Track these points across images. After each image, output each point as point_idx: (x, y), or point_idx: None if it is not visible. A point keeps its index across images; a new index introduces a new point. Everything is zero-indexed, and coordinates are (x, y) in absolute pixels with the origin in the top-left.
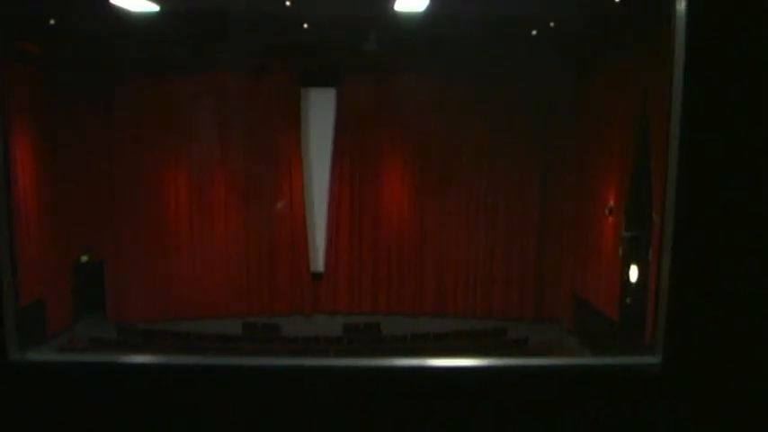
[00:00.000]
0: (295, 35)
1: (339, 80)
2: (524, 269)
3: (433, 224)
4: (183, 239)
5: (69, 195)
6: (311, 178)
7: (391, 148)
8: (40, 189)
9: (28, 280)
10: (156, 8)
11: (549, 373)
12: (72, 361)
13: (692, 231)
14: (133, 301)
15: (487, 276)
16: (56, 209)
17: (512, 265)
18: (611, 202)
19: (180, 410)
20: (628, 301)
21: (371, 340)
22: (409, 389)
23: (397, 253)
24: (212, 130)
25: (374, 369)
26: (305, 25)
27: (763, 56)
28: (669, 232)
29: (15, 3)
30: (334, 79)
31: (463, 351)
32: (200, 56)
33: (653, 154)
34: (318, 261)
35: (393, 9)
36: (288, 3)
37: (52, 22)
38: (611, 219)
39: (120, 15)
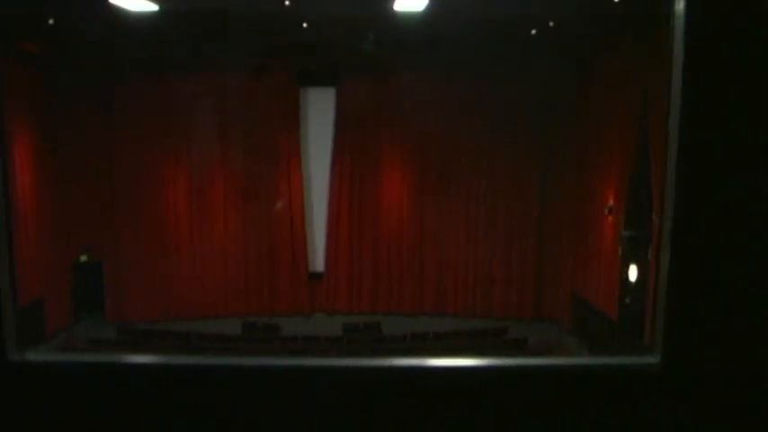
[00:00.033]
0: (294, 35)
1: (338, 80)
2: (524, 269)
3: (433, 224)
4: (182, 239)
5: (69, 195)
6: (311, 178)
7: (391, 148)
8: (39, 189)
9: (27, 280)
10: (155, 8)
11: (548, 372)
12: (71, 361)
13: (691, 231)
14: (133, 301)
15: (487, 276)
16: (55, 209)
17: (511, 265)
18: (611, 202)
19: (180, 410)
20: (627, 300)
21: (371, 340)
22: (409, 389)
23: (396, 253)
24: (212, 129)
25: (374, 369)
26: (304, 25)
27: (763, 56)
28: (668, 232)
29: (15, 3)
30: (334, 79)
31: (463, 351)
32: (200, 56)
33: (653, 154)
34: (318, 261)
35: (392, 9)
36: (287, 2)
37: (52, 22)
38: (610, 218)
39: (120, 15)
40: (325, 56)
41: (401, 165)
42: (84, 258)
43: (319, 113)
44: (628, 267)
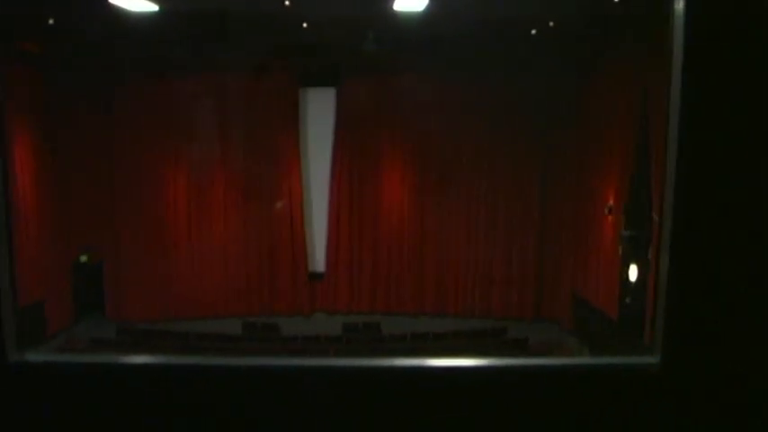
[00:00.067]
0: (295, 35)
1: (339, 80)
2: (524, 269)
3: (433, 224)
4: (182, 239)
5: (69, 195)
6: (311, 178)
7: (391, 148)
8: (39, 189)
9: (27, 280)
10: (155, 8)
11: (548, 372)
12: (71, 361)
13: (691, 231)
14: (133, 301)
15: (487, 276)
16: (55, 209)
17: (511, 265)
18: (611, 202)
19: (180, 410)
20: (627, 300)
21: (371, 340)
22: (409, 389)
23: (396, 253)
24: (212, 129)
25: (374, 369)
26: (304, 25)
27: (762, 56)
28: (668, 232)
29: (15, 3)
30: (334, 79)
31: (463, 351)
32: (201, 56)
33: (653, 154)
34: (318, 261)
35: (392, 9)
36: (287, 2)
37: (52, 22)
38: (610, 218)
39: (120, 15)
40: (325, 56)
41: (401, 165)
42: (84, 259)
43: (319, 114)
44: (628, 267)
